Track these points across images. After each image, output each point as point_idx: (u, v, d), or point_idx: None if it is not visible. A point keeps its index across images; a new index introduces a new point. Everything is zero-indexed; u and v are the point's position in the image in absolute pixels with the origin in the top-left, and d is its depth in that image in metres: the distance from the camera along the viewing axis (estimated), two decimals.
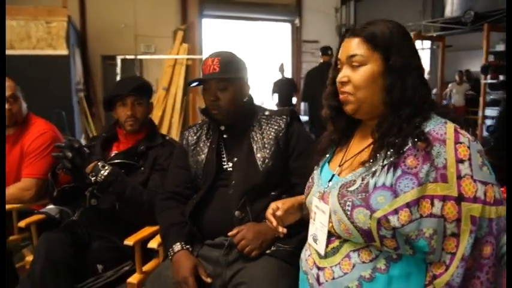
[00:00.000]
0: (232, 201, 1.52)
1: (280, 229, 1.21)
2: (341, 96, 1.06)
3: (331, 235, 1.06)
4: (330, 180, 1.09)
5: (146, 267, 1.74)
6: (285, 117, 1.61)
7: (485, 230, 0.90)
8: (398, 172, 0.93)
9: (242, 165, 1.56)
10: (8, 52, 5.45)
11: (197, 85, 1.65)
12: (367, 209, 0.94)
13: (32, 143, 2.17)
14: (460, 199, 0.89)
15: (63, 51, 5.88)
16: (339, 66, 1.09)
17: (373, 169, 0.98)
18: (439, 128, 0.95)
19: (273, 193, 1.55)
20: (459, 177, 0.90)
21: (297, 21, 9.80)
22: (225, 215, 1.52)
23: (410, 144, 0.94)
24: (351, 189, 0.99)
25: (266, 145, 1.57)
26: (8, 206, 2.07)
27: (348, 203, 0.98)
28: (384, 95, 1.00)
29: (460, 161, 0.91)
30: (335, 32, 9.90)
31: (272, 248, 1.45)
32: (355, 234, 0.98)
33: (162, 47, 8.05)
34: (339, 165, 1.11)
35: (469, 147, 0.92)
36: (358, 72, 1.02)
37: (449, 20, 7.65)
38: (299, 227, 1.30)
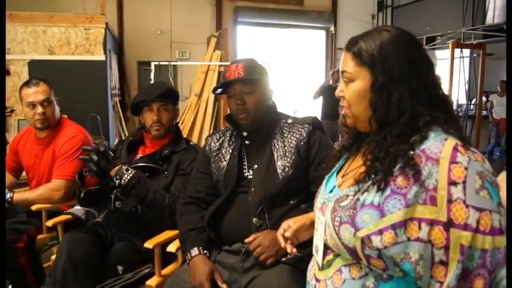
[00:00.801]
0: (250, 208, 1.52)
1: (289, 249, 1.19)
2: (342, 110, 1.05)
3: (327, 247, 1.04)
4: (331, 192, 1.06)
5: (165, 271, 1.76)
6: (307, 126, 1.60)
7: (477, 261, 0.81)
8: (387, 191, 0.89)
9: (262, 172, 1.55)
10: (49, 57, 5.71)
11: (221, 92, 1.65)
12: (352, 227, 0.91)
13: (63, 145, 2.24)
14: (449, 225, 0.82)
15: (100, 56, 6.05)
16: None
17: (366, 185, 0.94)
18: (436, 145, 0.87)
19: (291, 202, 1.54)
20: (450, 201, 0.82)
21: (332, 28, 9.72)
22: (243, 222, 1.52)
23: (400, 164, 0.89)
24: (342, 204, 0.96)
25: (287, 153, 1.55)
26: (38, 206, 2.16)
27: (337, 218, 0.95)
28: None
29: (452, 183, 0.83)
30: None
31: (288, 256, 1.43)
32: (342, 250, 0.96)
33: (197, 53, 8.17)
34: (342, 176, 1.08)
35: (466, 168, 0.83)
36: (348, 88, 0.99)
37: (490, 27, 7.38)
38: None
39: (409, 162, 0.88)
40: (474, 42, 7.56)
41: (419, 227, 0.85)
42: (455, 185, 0.83)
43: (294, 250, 1.20)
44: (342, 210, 0.95)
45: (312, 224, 1.24)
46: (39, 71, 5.50)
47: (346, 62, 0.99)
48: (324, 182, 1.15)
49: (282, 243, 1.20)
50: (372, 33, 0.98)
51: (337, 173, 1.12)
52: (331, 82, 6.65)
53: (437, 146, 0.87)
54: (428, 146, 0.88)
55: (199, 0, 8.98)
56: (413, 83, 0.93)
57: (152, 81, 6.37)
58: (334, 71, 6.80)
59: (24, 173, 2.48)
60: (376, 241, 0.87)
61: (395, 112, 0.93)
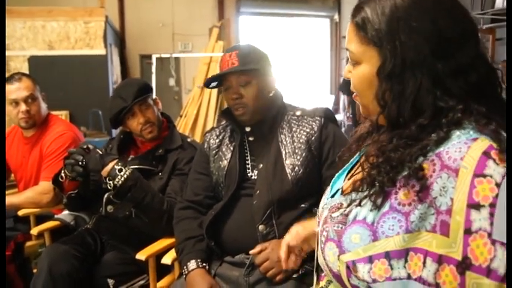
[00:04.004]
0: (256, 213, 1.33)
1: (291, 264, 1.03)
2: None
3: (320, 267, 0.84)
4: (334, 196, 0.85)
5: (161, 283, 1.58)
6: (318, 118, 1.40)
7: None
8: (386, 207, 0.67)
9: (269, 172, 1.36)
10: (48, 53, 5.60)
11: (216, 86, 1.46)
12: (337, 247, 0.71)
13: (51, 144, 2.08)
14: (464, 266, 0.58)
15: (101, 50, 5.92)
16: None
17: (363, 194, 0.72)
18: (457, 148, 0.62)
19: (302, 205, 1.34)
20: (468, 232, 0.58)
21: (336, 16, 9.47)
22: (248, 230, 1.34)
23: (406, 172, 0.66)
24: (333, 215, 0.76)
25: (297, 150, 1.36)
26: (26, 211, 2.00)
27: (324, 232, 0.76)
28: None
29: (474, 205, 0.58)
30: None
31: (300, 272, 1.25)
32: (328, 273, 0.77)
33: (199, 45, 7.99)
34: (350, 177, 0.85)
35: (498, 185, 0.58)
36: (354, 72, 0.76)
37: (500, 11, 7.11)
38: None
39: (416, 173, 0.64)
40: (483, 27, 7.30)
41: (424, 263, 0.62)
42: (478, 209, 0.58)
43: (297, 263, 1.03)
44: (331, 223, 0.75)
45: None
46: (39, 66, 5.44)
47: (350, 37, 0.75)
48: (332, 182, 0.92)
49: (282, 255, 1.01)
50: None
51: (349, 172, 0.89)
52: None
53: (460, 149, 0.62)
54: (447, 148, 0.63)
55: None
56: (438, 67, 0.67)
57: (154, 75, 6.20)
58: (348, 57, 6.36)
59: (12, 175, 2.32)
60: (363, 271, 0.67)
61: (410, 109, 0.68)
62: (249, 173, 1.42)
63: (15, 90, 2.04)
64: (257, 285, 1.28)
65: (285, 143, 1.38)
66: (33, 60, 5.62)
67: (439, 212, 0.61)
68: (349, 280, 0.70)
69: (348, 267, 0.69)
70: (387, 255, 0.65)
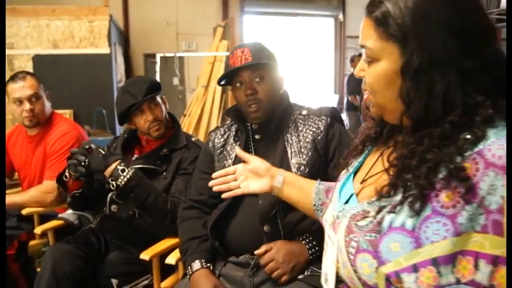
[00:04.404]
0: (261, 213, 1.31)
1: None
2: (364, 93, 0.79)
3: (340, 280, 0.79)
4: (347, 202, 0.80)
5: (165, 283, 1.57)
6: (324, 117, 1.38)
7: None
8: (428, 211, 0.64)
9: None
10: (53, 51, 5.61)
11: (226, 83, 1.44)
12: (374, 258, 0.67)
13: (55, 143, 2.07)
14: None
15: (105, 49, 5.93)
16: None
17: (394, 200, 0.69)
18: (499, 145, 0.61)
19: None
20: None
21: (340, 16, 9.44)
22: (252, 230, 1.32)
23: (445, 173, 0.64)
24: (360, 223, 0.72)
25: (302, 149, 1.34)
26: (29, 210, 1.99)
27: (352, 243, 0.71)
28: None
29: None
30: None
31: (306, 273, 1.23)
32: (357, 285, 0.72)
33: (204, 44, 7.98)
34: (361, 181, 0.81)
35: None
36: (370, 69, 0.73)
37: (505, 11, 7.05)
38: None
39: (458, 174, 0.62)
40: None
41: (476, 266, 0.60)
42: None
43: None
44: (360, 232, 0.70)
45: (301, 189, 1.03)
46: (43, 65, 5.47)
47: (366, 33, 0.72)
48: (338, 186, 0.88)
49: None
50: None
51: (355, 174, 0.86)
52: (352, 70, 5.93)
53: (502, 146, 0.60)
54: (489, 145, 0.61)
55: None
56: (466, 62, 0.65)
57: (158, 74, 6.19)
58: (354, 56, 5.99)
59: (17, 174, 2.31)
60: (409, 281, 0.63)
61: (440, 106, 0.65)
62: None
63: (19, 89, 2.02)
64: (262, 286, 1.27)
65: (291, 142, 1.37)
66: (37, 59, 5.65)
67: (489, 212, 0.59)
68: None
69: (388, 279, 0.65)
70: (435, 262, 0.62)
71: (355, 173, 0.86)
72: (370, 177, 0.79)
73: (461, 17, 0.65)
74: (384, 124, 0.83)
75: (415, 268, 0.63)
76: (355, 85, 5.77)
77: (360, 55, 5.95)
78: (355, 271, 0.70)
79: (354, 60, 5.89)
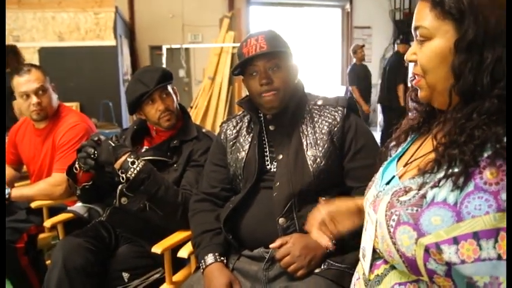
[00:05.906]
0: (276, 206, 1.28)
1: (324, 241, 0.94)
2: (414, 80, 0.81)
3: (376, 255, 0.82)
4: (388, 183, 0.84)
5: (177, 277, 1.55)
6: (340, 108, 1.34)
7: None
8: (470, 187, 0.67)
9: (289, 164, 1.31)
10: (58, 44, 5.59)
11: (239, 73, 1.40)
12: (414, 230, 0.70)
13: (63, 136, 2.04)
14: None
15: (111, 41, 5.91)
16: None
17: (437, 177, 0.72)
18: None
19: (324, 198, 1.28)
20: None
21: (347, 6, 9.32)
22: (267, 223, 1.29)
23: (490, 152, 0.67)
24: (402, 199, 0.75)
25: (318, 141, 1.30)
26: (38, 203, 1.97)
27: (393, 216, 0.74)
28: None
29: None
30: (388, 17, 9.29)
31: (322, 267, 1.20)
32: (397, 259, 0.75)
33: (210, 36, 7.92)
34: (405, 165, 0.85)
35: None
36: (424, 49, 0.77)
37: None
38: (356, 240, 1.03)
39: (502, 154, 0.64)
40: None
41: None
42: None
43: (330, 244, 0.94)
44: (401, 206, 0.74)
45: (357, 213, 0.99)
46: (49, 58, 5.45)
47: (422, 14, 0.77)
48: (381, 169, 0.92)
49: (314, 234, 0.94)
50: None
51: (399, 159, 0.90)
52: (355, 61, 5.86)
53: None
54: None
55: None
56: None
57: (164, 66, 6.15)
58: (356, 47, 5.84)
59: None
60: (449, 252, 0.66)
61: (488, 80, 0.69)
62: (268, 165, 1.37)
63: (25, 83, 1.99)
64: (276, 280, 1.24)
65: (306, 133, 1.33)
66: (43, 52, 5.64)
67: None
68: (425, 264, 0.69)
69: (427, 250, 0.68)
70: (475, 236, 0.64)
71: (399, 159, 0.90)
72: (415, 160, 0.82)
73: None
74: (427, 115, 0.87)
75: (455, 240, 0.66)
76: (355, 77, 5.69)
77: (363, 46, 5.87)
78: (394, 243, 0.73)
79: (357, 52, 5.78)
